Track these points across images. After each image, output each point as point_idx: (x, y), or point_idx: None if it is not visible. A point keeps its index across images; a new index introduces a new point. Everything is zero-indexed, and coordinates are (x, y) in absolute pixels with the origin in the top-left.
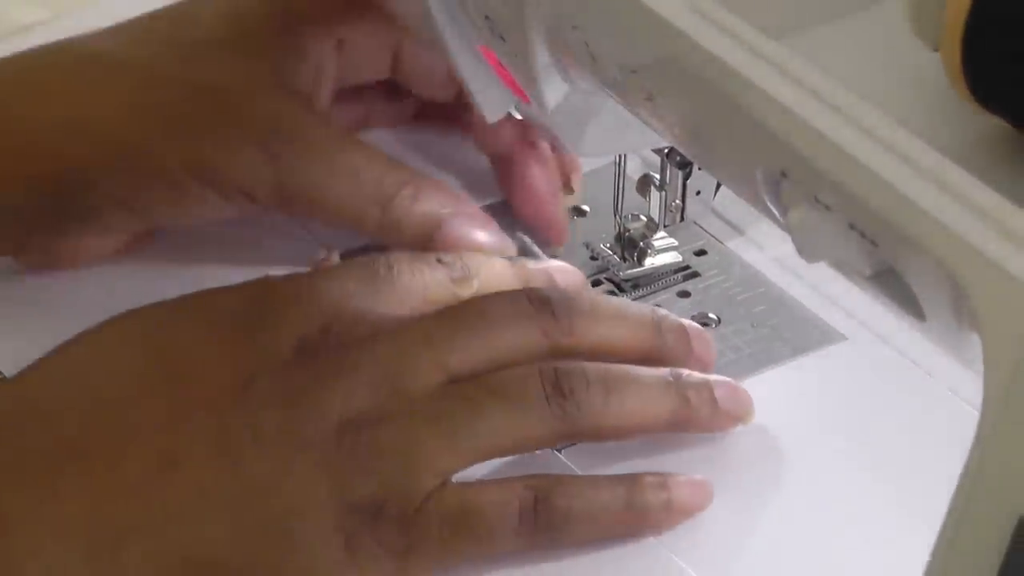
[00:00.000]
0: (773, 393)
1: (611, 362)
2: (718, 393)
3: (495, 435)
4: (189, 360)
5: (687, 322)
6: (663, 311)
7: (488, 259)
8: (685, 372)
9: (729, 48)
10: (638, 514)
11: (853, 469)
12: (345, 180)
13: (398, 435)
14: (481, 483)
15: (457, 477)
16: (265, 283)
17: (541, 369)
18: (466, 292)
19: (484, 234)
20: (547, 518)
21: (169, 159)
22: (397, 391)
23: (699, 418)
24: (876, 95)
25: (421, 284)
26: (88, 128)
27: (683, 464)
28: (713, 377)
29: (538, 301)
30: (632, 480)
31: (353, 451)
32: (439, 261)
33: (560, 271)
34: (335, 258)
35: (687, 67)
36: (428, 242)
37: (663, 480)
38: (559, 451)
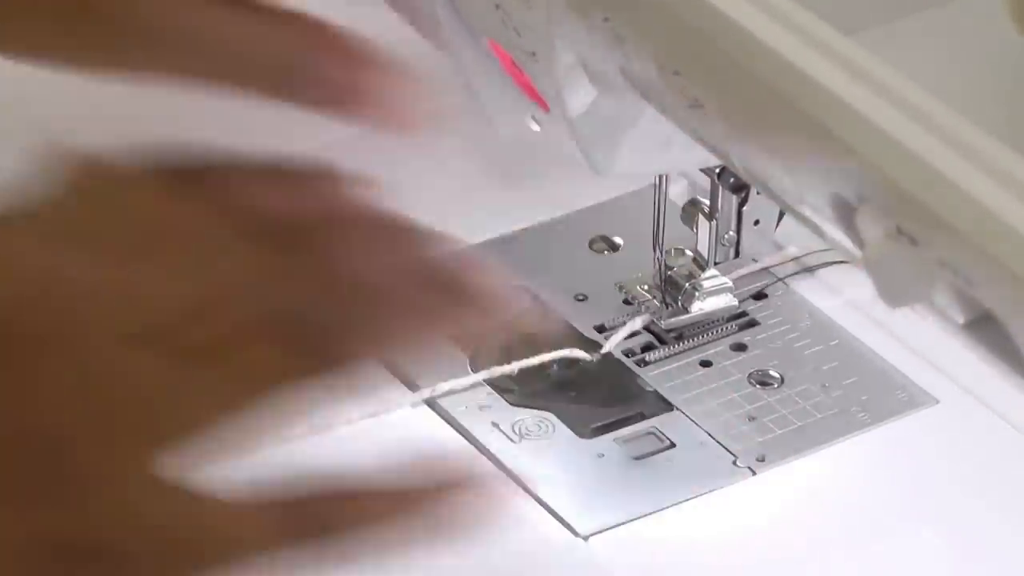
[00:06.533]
0: (849, 470)
1: None
2: None
3: None
4: None
5: None
6: None
7: None
8: None
9: (793, 45)
10: None
11: (948, 561)
12: None
13: None
14: None
15: None
16: None
17: None
18: None
19: None
20: None
21: None
22: None
23: None
24: (970, 103)
25: None
26: None
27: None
28: None
29: None
30: None
31: None
32: None
33: None
34: None
35: (742, 67)
36: None
37: None
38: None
